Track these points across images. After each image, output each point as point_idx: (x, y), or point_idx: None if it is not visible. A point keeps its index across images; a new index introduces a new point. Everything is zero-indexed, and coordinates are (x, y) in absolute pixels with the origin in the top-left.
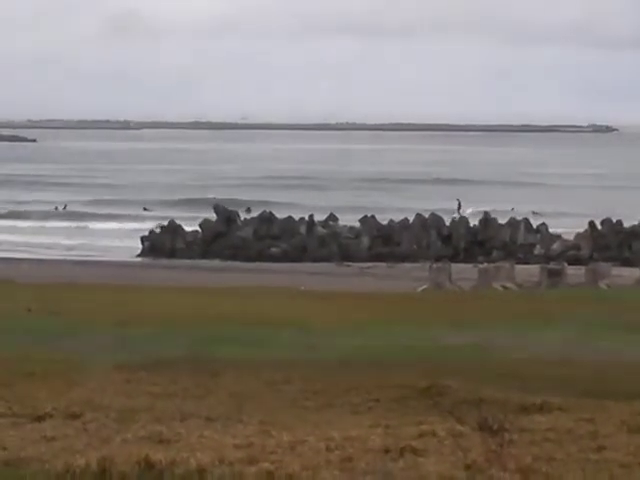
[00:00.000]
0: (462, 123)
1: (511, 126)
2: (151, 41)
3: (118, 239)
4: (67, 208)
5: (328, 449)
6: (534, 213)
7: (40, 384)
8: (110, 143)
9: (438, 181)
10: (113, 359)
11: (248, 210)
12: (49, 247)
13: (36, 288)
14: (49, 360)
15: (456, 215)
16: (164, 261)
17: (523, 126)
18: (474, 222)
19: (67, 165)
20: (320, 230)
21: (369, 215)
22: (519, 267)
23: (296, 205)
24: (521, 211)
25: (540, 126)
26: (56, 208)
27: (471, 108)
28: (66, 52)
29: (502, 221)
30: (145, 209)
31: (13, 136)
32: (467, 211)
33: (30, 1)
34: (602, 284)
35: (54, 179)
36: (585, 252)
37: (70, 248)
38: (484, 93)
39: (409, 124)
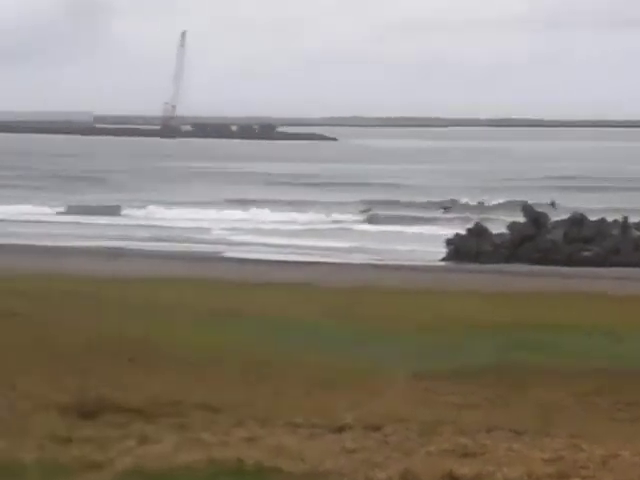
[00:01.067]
0: None
1: None
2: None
3: (418, 242)
4: (370, 212)
5: None
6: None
7: (340, 394)
8: (413, 141)
9: None
10: (414, 367)
11: (552, 205)
12: (348, 251)
13: (335, 292)
14: (349, 368)
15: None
16: (469, 265)
17: None
18: None
19: (375, 165)
20: (636, 232)
21: None
22: None
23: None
24: None
25: None
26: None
27: None
28: (366, 47)
29: None
30: (445, 208)
31: (312, 134)
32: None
33: None
34: None
35: (357, 179)
36: None
37: (366, 251)
38: None
39: None
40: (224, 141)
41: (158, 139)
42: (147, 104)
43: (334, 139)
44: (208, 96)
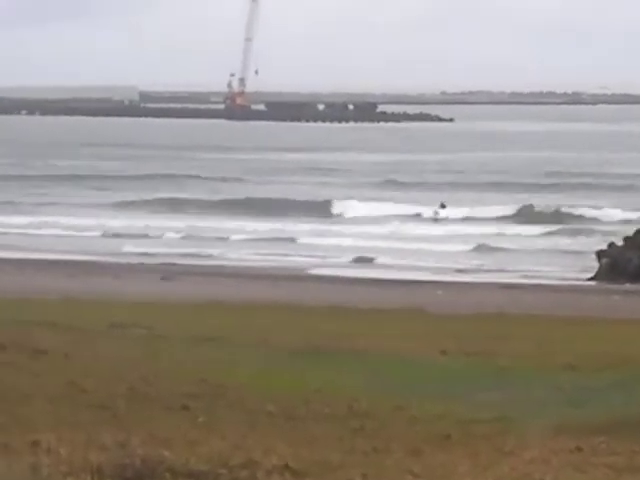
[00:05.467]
0: None
1: None
2: None
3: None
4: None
5: None
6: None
7: (459, 453)
8: (533, 124)
9: None
10: (558, 418)
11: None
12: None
13: (455, 322)
14: (472, 420)
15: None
16: (628, 285)
17: None
18: None
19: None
20: None
21: None
22: None
23: None
24: None
25: None
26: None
27: None
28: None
29: None
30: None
31: (424, 114)
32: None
33: None
34: None
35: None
36: None
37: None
38: None
39: None
40: (309, 125)
41: (222, 121)
42: (209, 76)
43: (450, 120)
44: (287, 67)
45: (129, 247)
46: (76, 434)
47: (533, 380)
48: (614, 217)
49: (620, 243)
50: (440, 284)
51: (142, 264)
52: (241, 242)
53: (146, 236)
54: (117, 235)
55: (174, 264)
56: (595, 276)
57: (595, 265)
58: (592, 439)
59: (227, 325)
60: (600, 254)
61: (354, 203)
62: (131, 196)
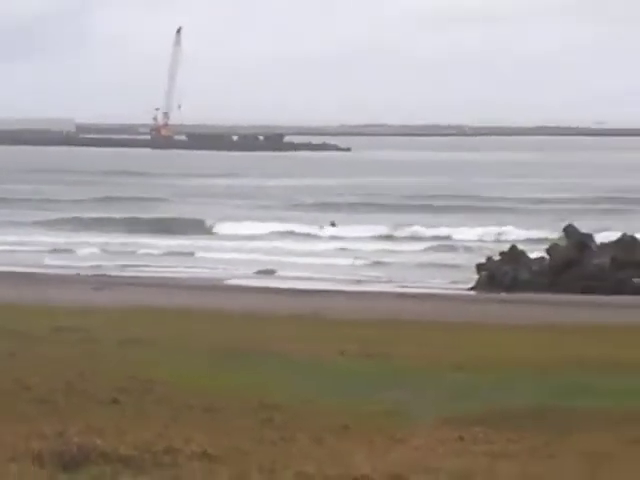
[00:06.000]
0: None
1: None
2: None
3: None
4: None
5: None
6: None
7: (356, 441)
8: (434, 153)
9: None
10: (444, 411)
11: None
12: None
13: (351, 327)
14: (367, 413)
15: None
16: (504, 295)
17: None
18: None
19: (392, 178)
20: None
21: None
22: None
23: None
24: None
25: None
26: None
27: None
28: (379, 45)
29: None
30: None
31: (324, 144)
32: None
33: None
34: None
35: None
36: None
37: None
38: None
39: None
40: (224, 154)
41: (148, 150)
42: (136, 110)
43: (347, 149)
44: (206, 102)
45: (52, 260)
46: (19, 425)
47: (424, 379)
48: (481, 236)
49: (497, 258)
50: (339, 293)
51: (78, 275)
52: (147, 256)
53: (68, 251)
54: (51, 250)
55: (103, 275)
56: (475, 286)
57: (475, 277)
58: (472, 429)
59: (154, 329)
60: (479, 267)
61: (248, 223)
62: (55, 215)
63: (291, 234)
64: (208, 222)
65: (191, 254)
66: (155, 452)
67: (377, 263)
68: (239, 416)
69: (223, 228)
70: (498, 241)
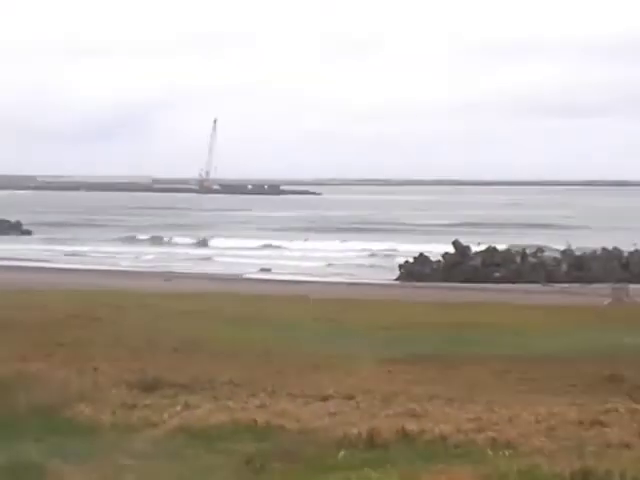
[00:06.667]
0: None
1: None
2: None
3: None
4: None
5: (537, 421)
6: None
7: (324, 374)
8: (372, 196)
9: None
10: (379, 355)
11: (479, 244)
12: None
13: (320, 303)
14: (331, 356)
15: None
16: (416, 283)
17: None
18: None
19: (346, 211)
20: (531, 259)
21: (567, 248)
22: None
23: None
24: None
25: None
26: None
27: None
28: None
29: None
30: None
31: (304, 190)
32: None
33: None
34: None
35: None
36: None
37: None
38: None
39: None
40: (242, 196)
41: (196, 195)
42: (190, 170)
43: (319, 194)
44: (232, 164)
45: (130, 262)
46: (119, 363)
47: (365, 335)
48: (396, 247)
49: (411, 260)
50: (314, 283)
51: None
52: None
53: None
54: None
55: (169, 272)
56: (398, 278)
57: (397, 272)
58: (396, 366)
59: (201, 305)
60: (400, 266)
61: (245, 240)
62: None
63: (271, 246)
64: (211, 241)
65: (209, 258)
66: (201, 381)
67: (332, 265)
68: (250, 358)
69: (226, 242)
70: (409, 251)
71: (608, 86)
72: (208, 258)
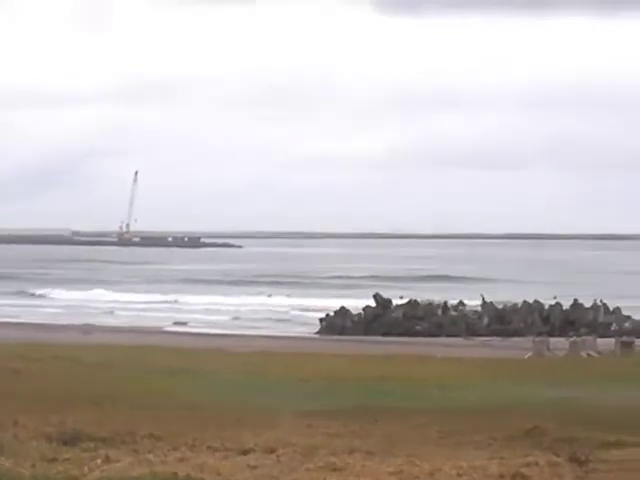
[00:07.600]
0: None
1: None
2: None
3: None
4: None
5: (458, 475)
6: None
7: (245, 427)
8: (289, 249)
9: (535, 281)
10: (299, 408)
11: (401, 297)
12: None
13: (241, 356)
14: (251, 408)
15: None
16: (336, 336)
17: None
18: (566, 307)
19: (266, 265)
20: (452, 312)
21: (487, 301)
22: (600, 340)
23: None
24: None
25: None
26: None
27: None
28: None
29: (587, 305)
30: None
31: (224, 243)
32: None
33: None
34: None
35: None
36: None
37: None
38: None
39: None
40: (162, 249)
41: (116, 247)
42: (109, 222)
43: (240, 247)
44: (151, 216)
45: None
46: (35, 415)
47: (284, 387)
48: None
49: (332, 314)
50: (229, 336)
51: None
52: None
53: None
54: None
55: (88, 324)
56: (319, 332)
57: (318, 326)
58: (315, 420)
59: (117, 357)
60: (321, 320)
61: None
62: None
63: (176, 301)
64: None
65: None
66: (121, 434)
67: (238, 318)
68: (171, 411)
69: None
70: (329, 306)
71: (528, 139)
72: (110, 312)
